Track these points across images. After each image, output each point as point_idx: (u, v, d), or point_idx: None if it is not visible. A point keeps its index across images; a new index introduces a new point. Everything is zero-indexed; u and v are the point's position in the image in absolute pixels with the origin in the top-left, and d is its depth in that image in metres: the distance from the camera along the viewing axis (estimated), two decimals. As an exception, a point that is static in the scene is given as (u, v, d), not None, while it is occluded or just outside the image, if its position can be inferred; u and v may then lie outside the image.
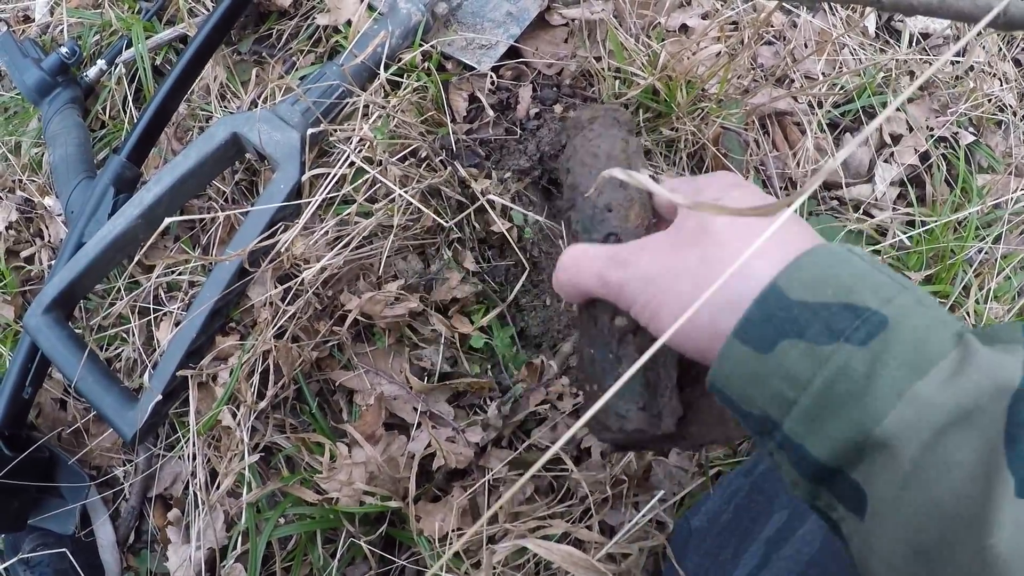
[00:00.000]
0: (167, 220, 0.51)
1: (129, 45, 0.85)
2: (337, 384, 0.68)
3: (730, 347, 0.28)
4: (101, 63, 0.85)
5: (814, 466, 0.27)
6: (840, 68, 0.84)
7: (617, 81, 0.70)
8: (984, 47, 0.98)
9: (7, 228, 0.88)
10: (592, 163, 0.42)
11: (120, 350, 0.76)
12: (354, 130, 0.63)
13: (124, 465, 0.78)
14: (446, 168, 0.65)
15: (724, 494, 0.64)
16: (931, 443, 0.24)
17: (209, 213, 0.71)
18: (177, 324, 0.70)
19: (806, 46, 0.84)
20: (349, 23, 0.75)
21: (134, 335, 0.73)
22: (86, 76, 0.86)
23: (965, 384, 0.24)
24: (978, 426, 0.23)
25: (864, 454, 0.26)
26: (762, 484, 0.62)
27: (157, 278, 0.73)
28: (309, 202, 0.64)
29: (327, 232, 0.64)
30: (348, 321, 0.66)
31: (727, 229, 0.32)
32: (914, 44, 0.92)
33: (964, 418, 0.24)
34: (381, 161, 0.63)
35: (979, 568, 0.22)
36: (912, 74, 0.90)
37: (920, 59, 0.91)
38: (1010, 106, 0.95)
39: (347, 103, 0.69)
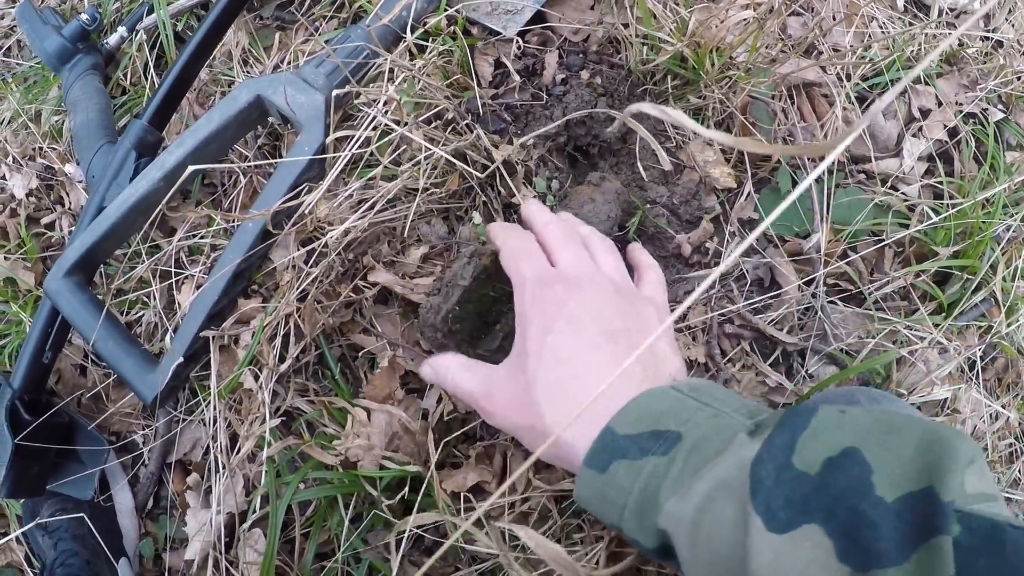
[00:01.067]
0: (190, 168, 0.51)
1: (151, 11, 0.85)
2: (361, 351, 0.68)
3: (583, 472, 0.38)
4: (122, 30, 0.85)
5: (655, 552, 0.37)
6: (869, 40, 0.83)
7: (645, 48, 0.69)
8: (1014, 24, 0.96)
9: (28, 195, 0.88)
10: None
11: (141, 314, 0.76)
12: (380, 92, 0.63)
13: (143, 430, 0.78)
14: (471, 132, 0.65)
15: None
16: (701, 509, 0.33)
17: (233, 169, 0.71)
18: (199, 287, 0.69)
19: (835, 18, 0.82)
20: (374, -12, 0.75)
21: (155, 299, 0.73)
22: (107, 43, 0.86)
23: (722, 465, 0.33)
24: (733, 491, 0.32)
25: (667, 536, 0.35)
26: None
27: (179, 241, 0.73)
28: (335, 161, 0.64)
29: (351, 195, 0.64)
30: (372, 293, 0.65)
31: (548, 404, 0.42)
32: (943, 16, 0.91)
33: (723, 487, 0.32)
34: (407, 123, 0.62)
35: None
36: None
37: (949, 33, 0.89)
38: (1040, 84, 0.93)
39: (372, 65, 0.69)
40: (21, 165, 0.89)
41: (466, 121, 0.66)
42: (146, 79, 0.82)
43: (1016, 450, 0.87)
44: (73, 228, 0.84)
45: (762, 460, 0.31)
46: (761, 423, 0.36)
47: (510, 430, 0.46)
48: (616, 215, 0.63)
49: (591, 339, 0.42)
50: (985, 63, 0.89)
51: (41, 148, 0.89)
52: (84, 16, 0.85)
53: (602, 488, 0.37)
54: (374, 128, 0.63)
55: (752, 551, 0.29)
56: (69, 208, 0.86)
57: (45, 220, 0.87)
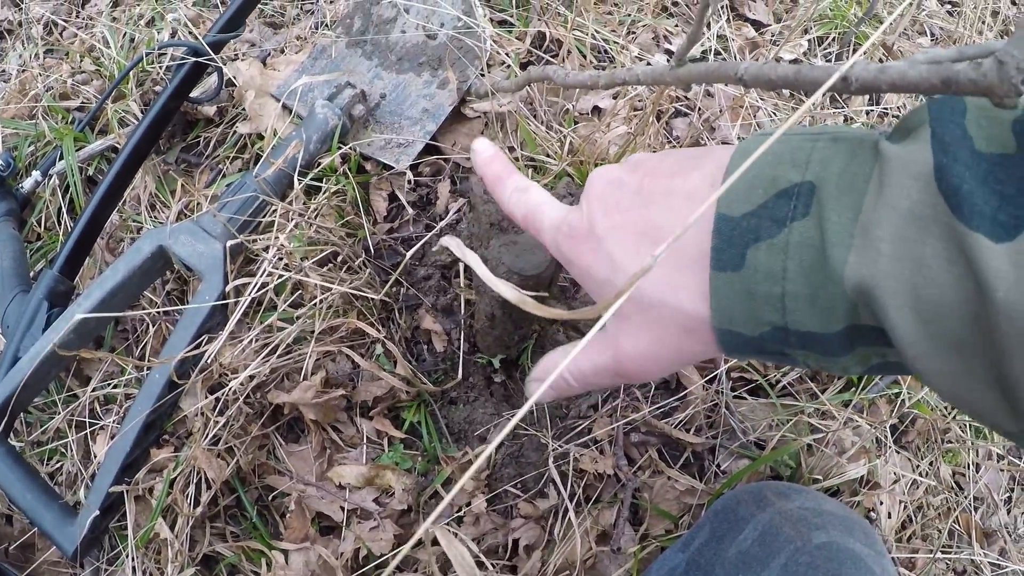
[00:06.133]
0: (78, 316, 0.53)
1: (63, 156, 0.86)
2: (277, 491, 0.69)
3: (714, 281, 0.31)
4: (36, 174, 0.87)
5: (836, 340, 0.29)
6: (756, 131, 0.87)
7: (530, 170, 0.72)
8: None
9: (-51, 341, 0.88)
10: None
11: (60, 464, 0.76)
12: (272, 240, 0.65)
13: (72, 578, 0.78)
14: (366, 270, 0.67)
15: (661, 571, 0.64)
16: (897, 257, 0.25)
17: (143, 316, 0.72)
18: (113, 437, 0.70)
19: (721, 112, 0.86)
20: (275, 131, 0.77)
21: (72, 450, 0.73)
22: (21, 188, 0.87)
23: (894, 191, 0.26)
24: (925, 220, 0.25)
25: (856, 302, 0.27)
26: (699, 559, 0.62)
27: (93, 391, 0.74)
28: (238, 307, 0.65)
29: (252, 341, 0.65)
30: (280, 422, 0.66)
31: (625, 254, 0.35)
32: (828, 100, 0.95)
33: (911, 221, 0.25)
34: (301, 268, 0.64)
35: (994, 328, 0.23)
36: (828, 130, 0.93)
37: (834, 112, 0.94)
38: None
39: (269, 210, 0.71)
40: (-57, 311, 0.89)
41: (360, 259, 0.68)
42: (59, 224, 0.83)
43: (952, 503, 0.89)
44: (-6, 375, 0.84)
45: (944, 167, 0.24)
46: (896, 128, 0.29)
47: (658, 337, 0.35)
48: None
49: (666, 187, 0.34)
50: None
51: (-37, 292, 0.90)
52: (-1, 161, 0.87)
53: (746, 286, 0.30)
54: (270, 274, 0.65)
55: (989, 276, 0.23)
56: (-9, 353, 0.87)
57: (-32, 366, 0.87)
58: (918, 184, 0.25)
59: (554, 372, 0.36)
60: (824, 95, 0.97)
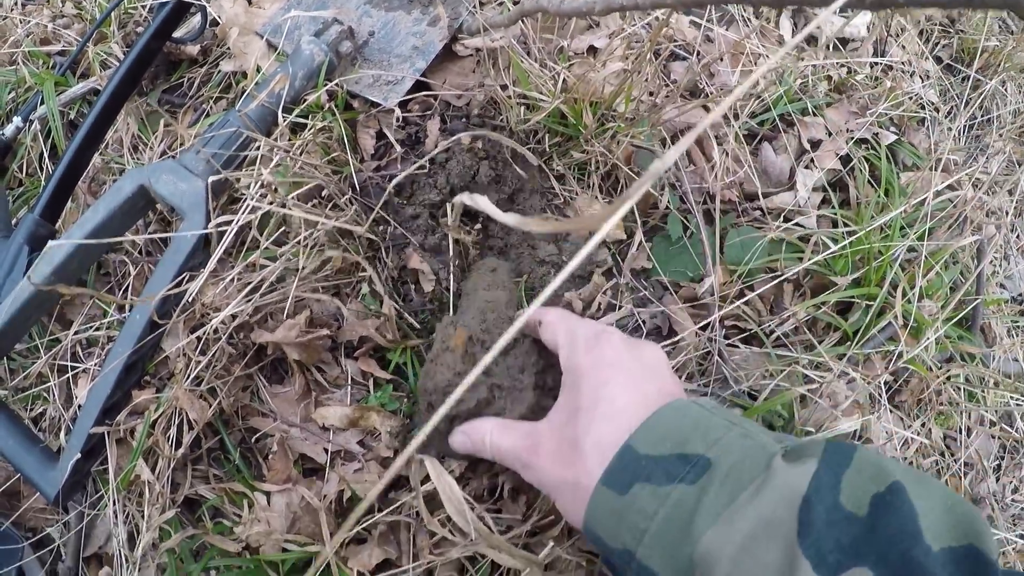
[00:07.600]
0: (52, 243, 0.52)
1: (44, 101, 0.84)
2: (260, 433, 0.68)
3: (599, 492, 0.37)
4: (17, 120, 0.85)
5: None
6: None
7: (523, 108, 0.70)
8: (904, 46, 0.99)
9: (-68, 290, 0.87)
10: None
11: (43, 409, 0.75)
12: (255, 176, 0.63)
13: (59, 524, 0.77)
14: (352, 207, 0.65)
15: None
16: (744, 548, 0.31)
17: (125, 258, 0.70)
18: (95, 379, 0.69)
19: (721, 59, 0.84)
20: (259, 68, 0.75)
21: (54, 394, 0.72)
22: (2, 134, 0.85)
23: (765, 500, 0.32)
24: (778, 531, 0.31)
25: (695, 569, 0.33)
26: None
27: (75, 334, 0.72)
28: (220, 243, 0.64)
29: (234, 279, 0.64)
30: (263, 363, 0.65)
31: (597, 459, 0.40)
32: (830, 48, 0.93)
33: (768, 526, 0.31)
34: (285, 203, 0.63)
35: None
36: (829, 78, 0.90)
37: (837, 63, 0.91)
38: (932, 103, 0.95)
39: (252, 147, 0.69)
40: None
41: (347, 196, 0.66)
42: (41, 170, 0.82)
43: (941, 466, 0.87)
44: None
45: (810, 502, 0.31)
46: (795, 448, 0.35)
47: (551, 486, 0.43)
48: (515, 295, 0.64)
49: (643, 392, 0.41)
50: (875, 88, 0.91)
51: (-54, 241, 0.88)
52: (-22, 108, 0.85)
53: (621, 509, 0.36)
54: (253, 211, 0.63)
55: None
56: (-26, 301, 0.85)
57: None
58: (785, 504, 0.31)
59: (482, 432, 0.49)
60: (826, 45, 0.94)
